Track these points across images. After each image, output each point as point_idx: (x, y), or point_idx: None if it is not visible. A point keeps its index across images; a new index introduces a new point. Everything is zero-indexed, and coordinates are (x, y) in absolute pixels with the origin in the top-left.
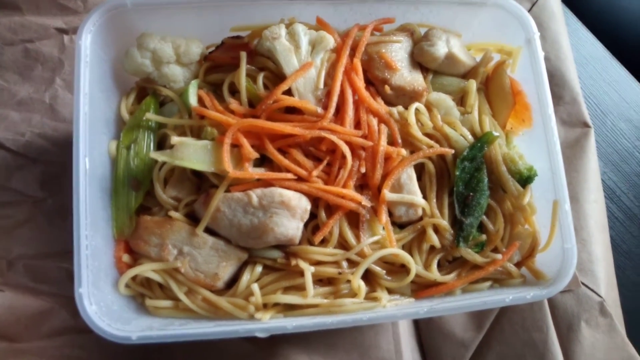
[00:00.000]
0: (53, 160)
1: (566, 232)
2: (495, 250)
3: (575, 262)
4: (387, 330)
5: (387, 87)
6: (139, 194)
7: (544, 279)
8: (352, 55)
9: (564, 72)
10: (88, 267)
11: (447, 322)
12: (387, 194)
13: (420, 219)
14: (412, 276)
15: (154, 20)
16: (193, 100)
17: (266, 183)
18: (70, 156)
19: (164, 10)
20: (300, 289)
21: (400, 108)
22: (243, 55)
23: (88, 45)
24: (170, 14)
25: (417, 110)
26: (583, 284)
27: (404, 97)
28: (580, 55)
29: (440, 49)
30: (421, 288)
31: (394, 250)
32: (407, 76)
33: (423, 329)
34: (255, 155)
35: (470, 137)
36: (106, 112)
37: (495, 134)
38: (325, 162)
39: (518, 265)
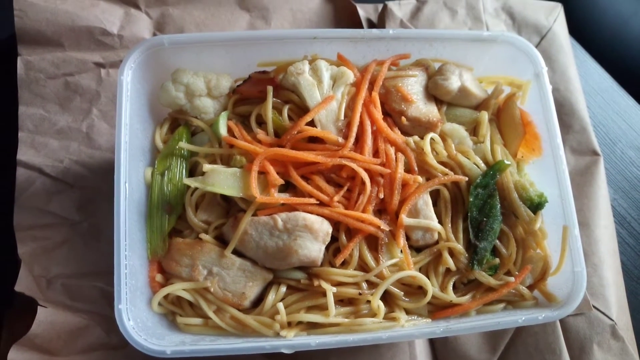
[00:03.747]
0: (89, 185)
1: (576, 256)
2: (508, 273)
3: (585, 284)
4: (404, 351)
5: (403, 118)
6: (171, 218)
7: (555, 301)
8: (371, 88)
9: (573, 102)
10: (127, 285)
11: (463, 344)
12: (405, 219)
13: (436, 242)
14: (428, 297)
15: (188, 57)
16: (223, 131)
17: (290, 207)
18: (105, 182)
19: (197, 48)
20: (323, 308)
21: (417, 138)
22: (270, 89)
23: (129, 81)
24: (203, 51)
25: (432, 139)
26: (594, 307)
27: (420, 127)
28: (589, 86)
29: (454, 82)
30: (437, 309)
31: (412, 272)
32: (422, 108)
33: (439, 350)
34: (280, 181)
35: (482, 165)
36: (142, 141)
37: (507, 162)
38: (345, 188)
39: (530, 288)
